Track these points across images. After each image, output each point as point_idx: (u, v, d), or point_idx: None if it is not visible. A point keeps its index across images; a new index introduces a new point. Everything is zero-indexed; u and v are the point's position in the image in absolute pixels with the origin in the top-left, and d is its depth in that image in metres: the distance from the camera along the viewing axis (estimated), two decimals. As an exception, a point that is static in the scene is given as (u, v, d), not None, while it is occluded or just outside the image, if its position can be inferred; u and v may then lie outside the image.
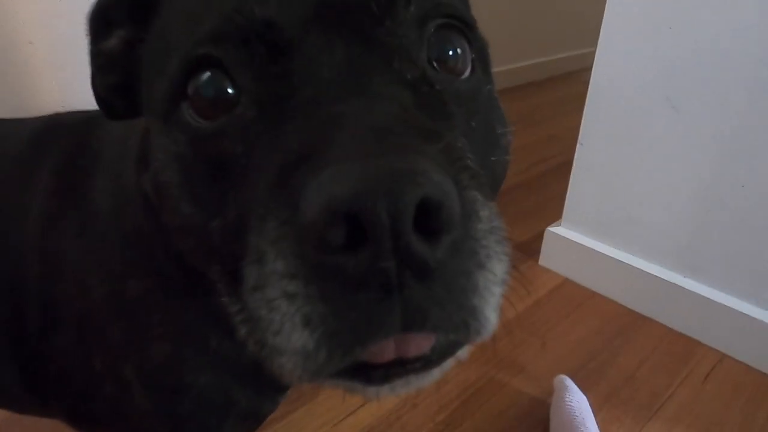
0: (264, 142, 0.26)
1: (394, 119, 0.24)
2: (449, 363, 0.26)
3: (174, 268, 0.39)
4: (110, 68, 0.37)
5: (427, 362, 0.25)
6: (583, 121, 1.17)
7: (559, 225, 1.31)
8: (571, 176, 1.24)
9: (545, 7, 2.62)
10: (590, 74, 1.11)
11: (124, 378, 0.42)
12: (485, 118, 0.33)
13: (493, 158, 0.33)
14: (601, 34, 1.07)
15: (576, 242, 1.26)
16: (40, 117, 0.52)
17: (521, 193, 1.70)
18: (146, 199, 0.36)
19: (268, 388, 0.49)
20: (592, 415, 0.88)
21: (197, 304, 0.41)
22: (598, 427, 0.88)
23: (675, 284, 1.11)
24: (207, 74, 0.27)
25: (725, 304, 1.04)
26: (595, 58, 1.09)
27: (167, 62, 0.29)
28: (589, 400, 0.91)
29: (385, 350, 0.23)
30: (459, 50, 0.32)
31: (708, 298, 1.06)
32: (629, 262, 1.18)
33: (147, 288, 0.42)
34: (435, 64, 0.31)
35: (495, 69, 0.38)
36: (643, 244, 1.16)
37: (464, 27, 0.32)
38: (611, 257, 1.20)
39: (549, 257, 1.33)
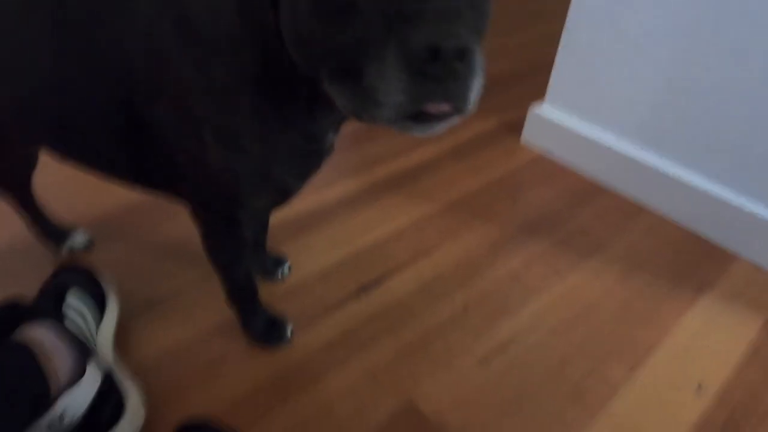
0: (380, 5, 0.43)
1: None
2: (454, 120, 0.48)
3: (282, 72, 0.56)
4: None
5: (445, 117, 0.47)
6: (570, 8, 1.30)
7: (542, 104, 1.47)
8: (556, 59, 1.38)
9: None
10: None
11: (203, 139, 0.60)
12: None
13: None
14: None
15: (553, 122, 1.43)
16: None
17: (515, 81, 1.86)
18: (261, 26, 0.54)
19: (298, 174, 0.68)
20: None
21: (283, 95, 0.58)
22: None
23: (630, 157, 1.30)
24: None
25: (669, 172, 1.25)
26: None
27: None
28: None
29: (432, 107, 0.45)
30: None
31: (657, 169, 1.26)
32: (597, 139, 1.36)
33: (234, 78, 0.57)
34: None
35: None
36: (612, 121, 1.34)
37: None
38: (581, 135, 1.38)
39: (530, 135, 1.51)
